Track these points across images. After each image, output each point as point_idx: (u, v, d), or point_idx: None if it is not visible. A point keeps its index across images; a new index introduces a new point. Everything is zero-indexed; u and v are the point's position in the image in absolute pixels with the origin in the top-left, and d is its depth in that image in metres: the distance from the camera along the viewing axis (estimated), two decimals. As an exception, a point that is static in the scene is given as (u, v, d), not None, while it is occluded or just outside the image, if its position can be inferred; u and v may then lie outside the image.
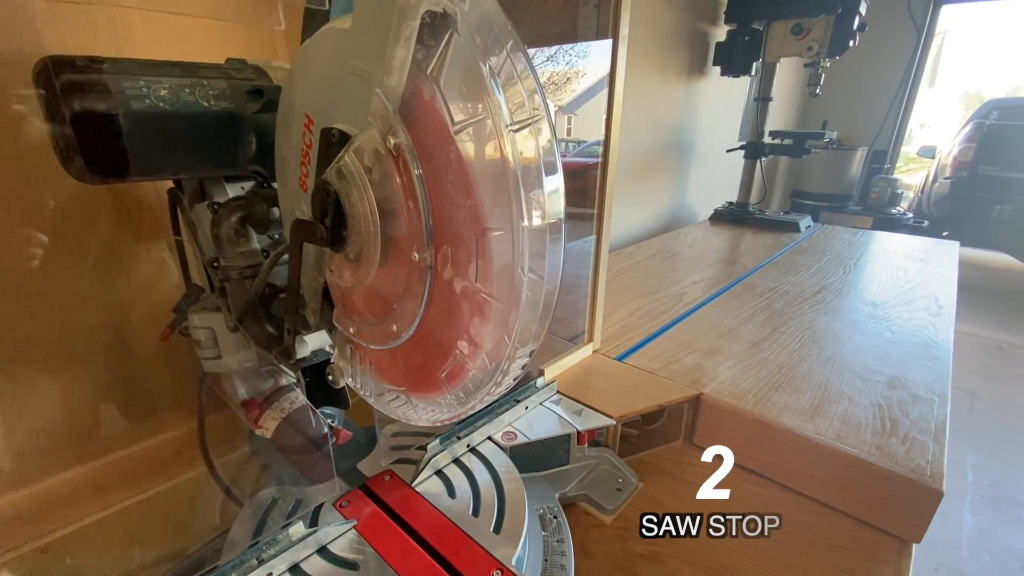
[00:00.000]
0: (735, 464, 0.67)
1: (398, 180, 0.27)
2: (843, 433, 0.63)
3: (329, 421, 0.56)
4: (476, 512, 0.49)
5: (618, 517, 0.59)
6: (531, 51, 0.27)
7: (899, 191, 2.72)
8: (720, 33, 1.83)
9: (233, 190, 0.51)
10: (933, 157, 3.83)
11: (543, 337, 0.29)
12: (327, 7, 0.39)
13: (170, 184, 0.50)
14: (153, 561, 0.58)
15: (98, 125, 0.36)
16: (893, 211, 2.68)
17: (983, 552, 1.41)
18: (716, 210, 1.97)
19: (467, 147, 0.24)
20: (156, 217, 0.58)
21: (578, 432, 0.63)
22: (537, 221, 0.26)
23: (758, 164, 1.88)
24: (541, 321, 0.28)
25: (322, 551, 0.45)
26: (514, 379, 0.31)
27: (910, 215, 2.71)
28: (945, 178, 3.32)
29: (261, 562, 0.42)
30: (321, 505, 0.50)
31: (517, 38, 0.25)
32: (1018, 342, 2.72)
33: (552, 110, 0.27)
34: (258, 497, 0.51)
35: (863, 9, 1.55)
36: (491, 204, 0.25)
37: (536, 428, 0.62)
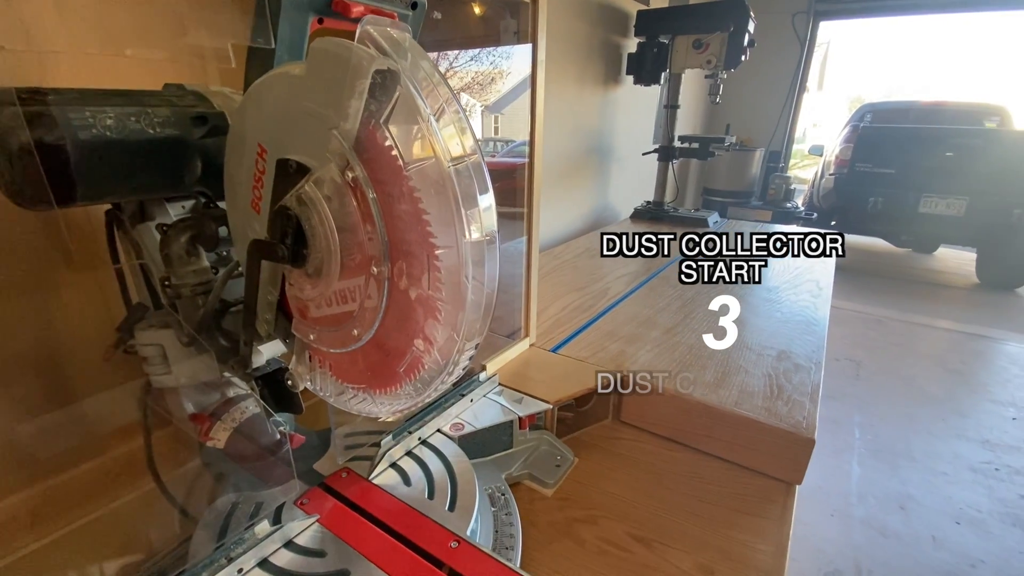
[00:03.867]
0: (656, 435, 0.77)
1: (355, 206, 0.32)
2: (740, 400, 0.75)
3: (281, 427, 0.58)
4: (431, 496, 0.55)
5: (558, 490, 0.66)
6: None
7: (793, 187, 3.07)
8: (631, 45, 1.98)
9: (173, 209, 0.53)
10: (822, 155, 4.32)
11: (485, 332, 0.35)
12: (272, 46, 0.42)
13: (106, 206, 0.51)
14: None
15: (46, 156, 0.37)
16: (788, 205, 3.01)
17: (869, 497, 1.66)
18: (636, 209, 2.13)
19: (416, 181, 0.30)
20: (85, 237, 0.57)
21: (519, 418, 0.69)
22: (476, 235, 0.32)
23: (670, 166, 2.06)
24: (484, 319, 0.34)
25: (288, 544, 0.48)
26: (463, 369, 0.36)
27: (803, 208, 3.06)
28: (830, 174, 3.76)
29: (230, 560, 0.44)
30: (282, 505, 0.52)
31: (449, 86, 0.30)
32: (894, 315, 3.15)
33: (479, 109, 0.32)
34: (216, 505, 0.53)
35: (751, 28, 1.75)
36: (438, 225, 0.31)
37: (481, 418, 0.68)
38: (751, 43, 1.80)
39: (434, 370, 0.35)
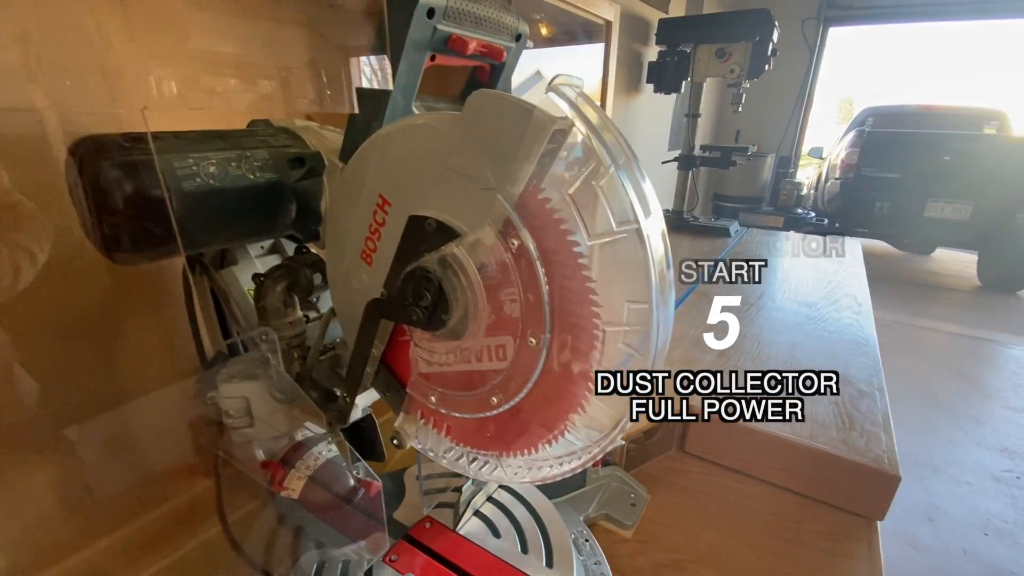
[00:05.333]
0: (724, 467, 0.75)
1: (515, 276, 0.29)
2: (814, 432, 0.73)
3: (360, 475, 0.56)
4: (525, 549, 0.52)
5: (637, 531, 0.64)
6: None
7: (803, 192, 3.07)
8: (652, 53, 1.96)
9: (253, 250, 0.50)
10: (820, 157, 4.33)
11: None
12: (390, 88, 0.39)
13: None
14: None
15: (150, 209, 0.34)
16: (799, 211, 3.01)
17: (896, 508, 1.65)
18: (655, 217, 2.11)
19: (599, 254, 0.27)
20: (154, 285, 0.54)
21: (593, 456, 0.67)
22: (664, 311, 0.29)
23: (690, 174, 2.04)
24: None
25: (388, 611, 0.45)
26: (618, 442, 0.34)
27: (813, 214, 3.06)
28: (835, 179, 3.77)
29: (333, 634, 0.41)
30: (371, 567, 0.50)
31: (636, 158, 0.28)
32: (902, 319, 3.16)
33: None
34: (301, 565, 0.50)
35: (775, 37, 1.74)
36: (617, 299, 0.28)
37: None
38: (774, 52, 1.79)
39: (586, 445, 0.33)
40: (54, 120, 0.46)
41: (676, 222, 2.05)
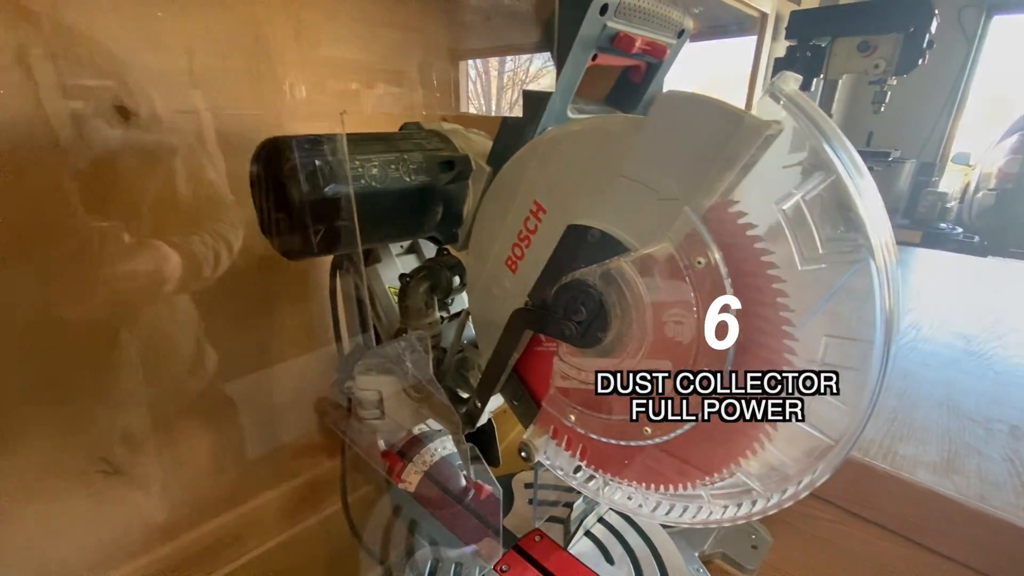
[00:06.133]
0: (863, 518, 0.66)
1: (695, 297, 0.26)
2: (984, 493, 0.61)
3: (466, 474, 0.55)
4: (641, 581, 0.49)
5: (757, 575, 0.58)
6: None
7: (949, 204, 2.67)
8: (779, 49, 1.80)
9: (394, 249, 0.51)
10: (968, 164, 3.74)
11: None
12: (551, 91, 0.38)
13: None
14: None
15: (322, 207, 0.36)
16: (943, 225, 2.62)
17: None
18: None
19: (810, 282, 0.23)
20: (299, 271, 0.58)
21: (712, 487, 0.61)
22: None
23: (814, 181, 1.85)
24: (847, 443, 0.27)
25: (501, 624, 0.44)
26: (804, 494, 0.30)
27: (960, 230, 2.65)
28: (988, 189, 3.24)
29: (450, 638, 0.41)
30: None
31: (866, 175, 0.24)
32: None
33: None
34: (416, 561, 0.51)
35: (934, 27, 1.51)
36: (814, 335, 0.24)
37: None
38: (930, 44, 1.56)
39: (755, 492, 0.29)
40: (210, 121, 0.50)
41: (794, 233, 1.87)
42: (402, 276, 0.44)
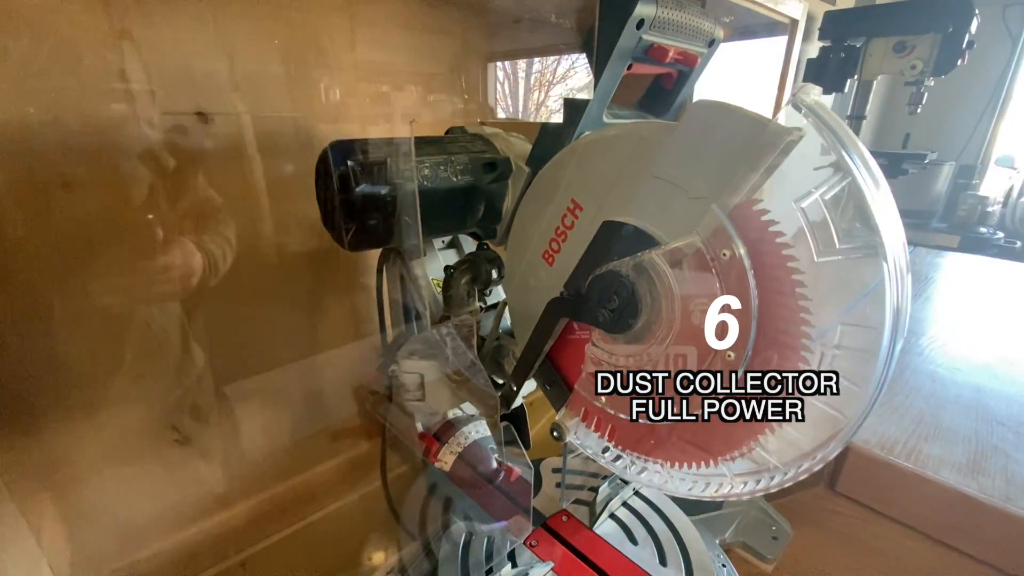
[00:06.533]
0: (885, 516, 0.67)
1: (720, 287, 0.29)
2: (1011, 495, 0.62)
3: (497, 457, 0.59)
4: (664, 562, 0.51)
5: (778, 566, 0.60)
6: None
7: (989, 208, 2.58)
8: (812, 50, 1.78)
9: (437, 244, 0.55)
10: (1012, 166, 3.59)
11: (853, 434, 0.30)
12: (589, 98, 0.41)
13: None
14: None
15: (378, 204, 0.40)
16: (983, 230, 2.54)
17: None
18: (798, 229, 1.92)
19: (824, 275, 0.26)
20: (346, 262, 0.62)
21: (734, 478, 0.63)
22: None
23: (846, 183, 1.83)
24: (855, 421, 0.30)
25: (531, 592, 0.48)
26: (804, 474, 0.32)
27: (1001, 235, 2.56)
28: (1035, 193, 3.12)
29: (484, 602, 0.45)
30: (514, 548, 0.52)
31: (880, 179, 0.26)
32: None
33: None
34: (451, 533, 0.55)
35: (974, 27, 1.48)
36: (829, 319, 0.27)
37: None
38: (970, 45, 1.53)
39: (770, 465, 0.32)
40: (249, 123, 0.54)
41: (823, 236, 1.85)
42: (446, 268, 0.48)
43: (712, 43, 0.43)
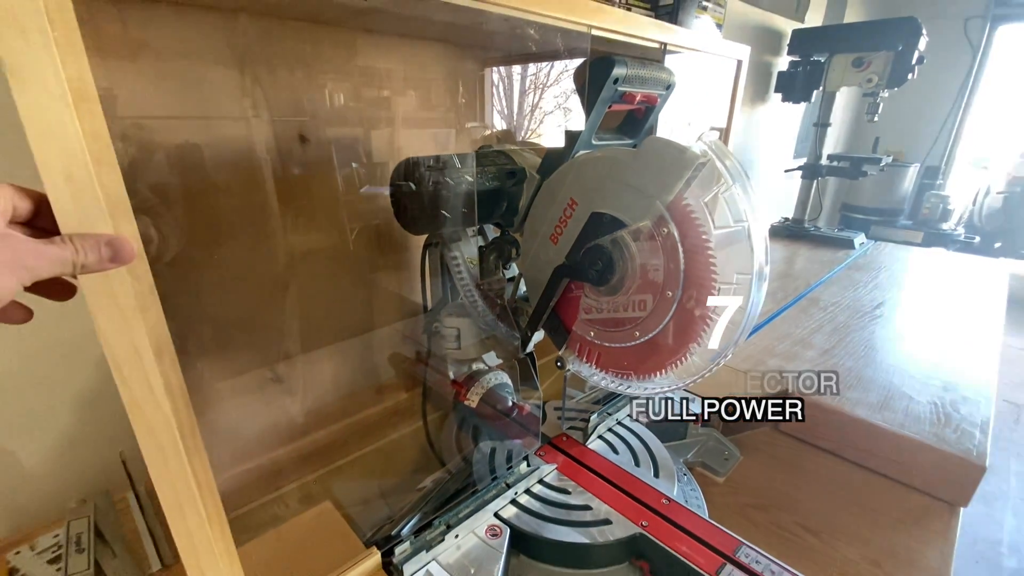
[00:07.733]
0: (815, 446, 0.86)
1: (662, 252, 0.47)
2: (906, 423, 0.80)
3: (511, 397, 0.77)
4: (637, 464, 0.69)
5: (728, 479, 0.78)
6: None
7: (951, 207, 2.79)
8: (782, 63, 1.97)
9: (469, 232, 0.73)
10: (985, 167, 3.82)
11: (742, 342, 0.48)
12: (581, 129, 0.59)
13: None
14: (389, 491, 0.80)
15: (441, 200, 0.58)
16: (944, 227, 2.75)
17: (1022, 548, 1.54)
18: (772, 226, 2.12)
19: (715, 241, 0.44)
20: (394, 244, 0.80)
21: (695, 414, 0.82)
22: (752, 278, 0.45)
23: (815, 184, 2.02)
24: (744, 333, 0.48)
25: (541, 481, 0.66)
26: (717, 367, 0.50)
27: (961, 231, 2.78)
28: (998, 192, 3.34)
29: (508, 486, 0.63)
30: (526, 456, 0.70)
31: (749, 179, 0.44)
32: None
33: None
34: (481, 447, 0.73)
35: (922, 45, 1.68)
36: (726, 268, 0.45)
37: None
38: (920, 60, 1.72)
39: (699, 365, 0.50)
40: (257, 126, 0.70)
41: (796, 230, 2.05)
42: (481, 248, 0.65)
43: (668, 87, 0.61)
